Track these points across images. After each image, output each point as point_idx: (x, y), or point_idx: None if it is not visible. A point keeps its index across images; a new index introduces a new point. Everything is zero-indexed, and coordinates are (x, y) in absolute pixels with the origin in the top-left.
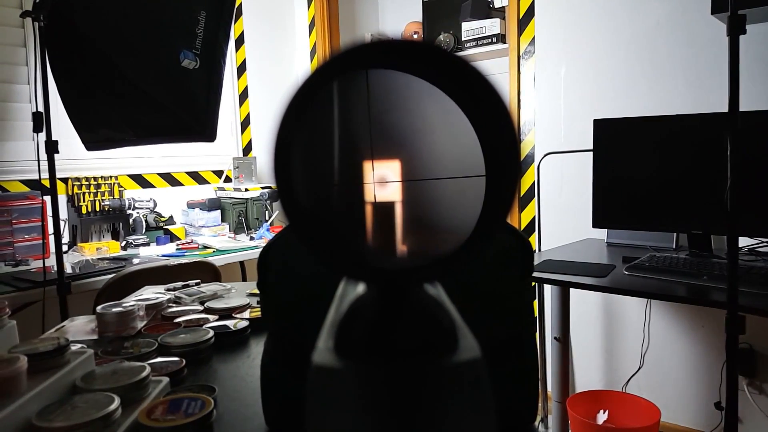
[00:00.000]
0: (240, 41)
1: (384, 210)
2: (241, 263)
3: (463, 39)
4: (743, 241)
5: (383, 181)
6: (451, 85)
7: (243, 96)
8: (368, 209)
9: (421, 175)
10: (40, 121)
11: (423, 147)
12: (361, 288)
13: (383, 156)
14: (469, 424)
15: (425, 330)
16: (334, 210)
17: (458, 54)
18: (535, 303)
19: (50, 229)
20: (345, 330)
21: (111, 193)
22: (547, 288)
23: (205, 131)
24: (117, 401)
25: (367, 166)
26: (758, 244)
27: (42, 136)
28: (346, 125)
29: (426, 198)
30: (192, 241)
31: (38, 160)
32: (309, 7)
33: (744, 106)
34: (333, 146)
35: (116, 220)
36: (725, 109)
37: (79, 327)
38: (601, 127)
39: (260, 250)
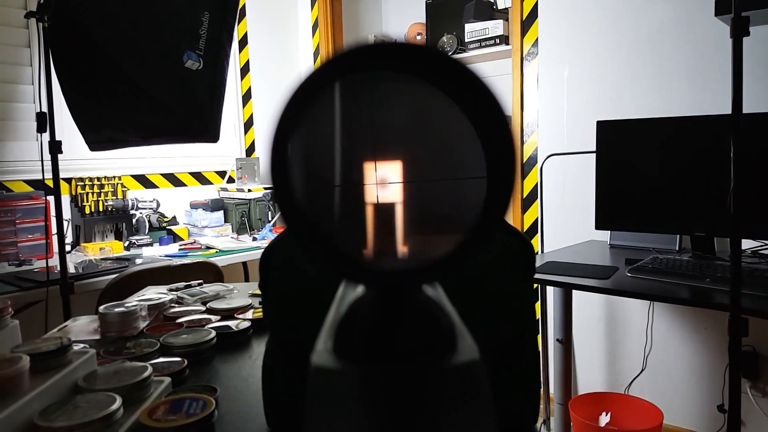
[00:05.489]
0: (243, 42)
1: (383, 211)
2: (244, 264)
3: (466, 40)
4: (746, 244)
5: (383, 182)
6: (450, 87)
7: (246, 97)
8: (367, 210)
9: (422, 177)
10: (44, 121)
11: (424, 148)
12: (360, 289)
13: (383, 157)
14: (468, 426)
15: (424, 331)
16: (333, 211)
17: (456, 57)
18: (538, 305)
19: (53, 229)
20: (344, 331)
21: (114, 193)
22: (550, 290)
23: (208, 132)
24: (119, 401)
25: (368, 167)
26: (761, 246)
27: (46, 136)
28: (346, 126)
29: (425, 199)
30: (195, 242)
31: (42, 160)
32: (312, 8)
33: (747, 108)
34: (332, 147)
35: (119, 221)
36: (728, 111)
37: (82, 327)
38: (604, 128)
39: (262, 250)
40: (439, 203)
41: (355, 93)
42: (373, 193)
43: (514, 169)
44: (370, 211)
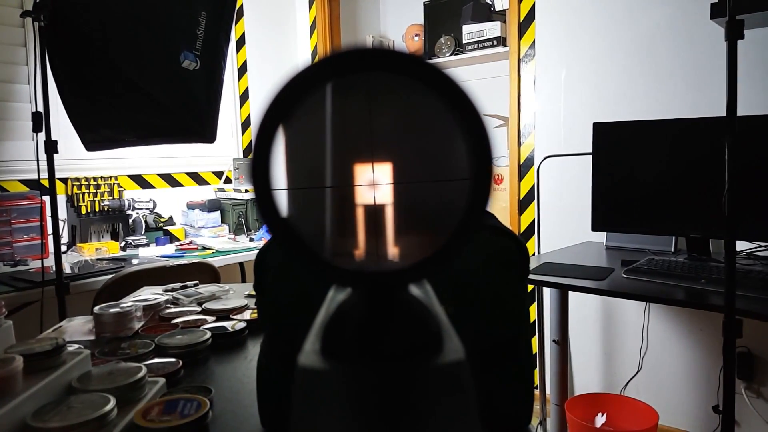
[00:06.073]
0: (241, 42)
1: (368, 213)
2: (241, 264)
3: (463, 42)
4: (741, 245)
5: (368, 183)
6: (431, 88)
7: (244, 97)
8: (352, 213)
9: (406, 178)
10: (40, 121)
11: (409, 150)
12: (349, 290)
13: (369, 158)
14: (453, 425)
15: (410, 332)
16: (316, 214)
17: (430, 62)
18: (534, 306)
19: (49, 229)
20: (331, 332)
21: (110, 193)
22: (546, 291)
23: (205, 132)
24: (113, 402)
25: (353, 168)
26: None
27: (42, 136)
28: (332, 127)
29: (409, 200)
30: (191, 242)
31: (38, 160)
32: (310, 8)
33: (742, 110)
34: (317, 148)
35: (116, 221)
36: (724, 113)
37: (77, 327)
38: (601, 130)
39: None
40: (423, 204)
41: (341, 95)
42: (357, 195)
43: (490, 169)
44: (354, 213)
